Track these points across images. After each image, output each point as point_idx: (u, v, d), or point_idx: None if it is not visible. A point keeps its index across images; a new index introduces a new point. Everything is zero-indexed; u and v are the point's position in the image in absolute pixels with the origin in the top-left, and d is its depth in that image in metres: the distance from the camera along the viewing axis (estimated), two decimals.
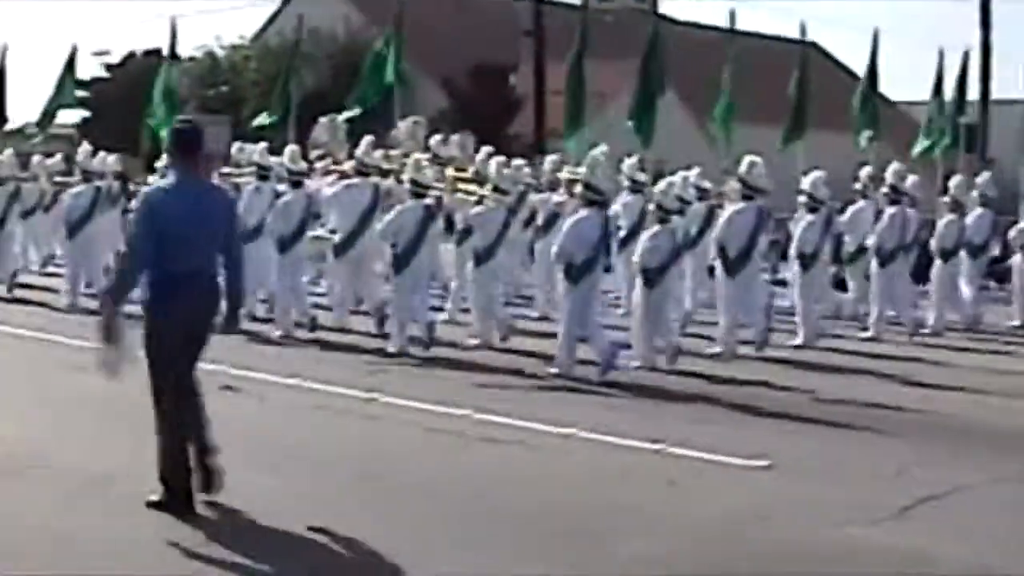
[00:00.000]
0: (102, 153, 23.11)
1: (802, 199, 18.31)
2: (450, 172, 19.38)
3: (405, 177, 17.02)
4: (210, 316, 8.91)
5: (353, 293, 18.84)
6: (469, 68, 49.60)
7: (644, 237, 16.03)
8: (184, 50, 73.34)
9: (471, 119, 39.30)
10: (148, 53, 58.82)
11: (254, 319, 17.95)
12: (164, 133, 23.61)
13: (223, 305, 8.99)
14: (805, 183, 18.31)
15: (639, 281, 15.65)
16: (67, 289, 20.64)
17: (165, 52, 26.20)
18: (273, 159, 19.29)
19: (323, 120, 23.63)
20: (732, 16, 21.84)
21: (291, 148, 18.91)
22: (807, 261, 18.00)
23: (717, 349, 16.57)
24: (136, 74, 53.24)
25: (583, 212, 15.09)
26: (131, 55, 59.39)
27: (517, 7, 44.72)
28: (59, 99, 26.37)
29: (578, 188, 15.87)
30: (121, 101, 49.23)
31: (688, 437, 11.44)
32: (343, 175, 19.57)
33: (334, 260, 18.77)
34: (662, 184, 16.42)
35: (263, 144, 20.25)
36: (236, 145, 21.98)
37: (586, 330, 14.77)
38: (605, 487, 9.98)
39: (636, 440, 11.33)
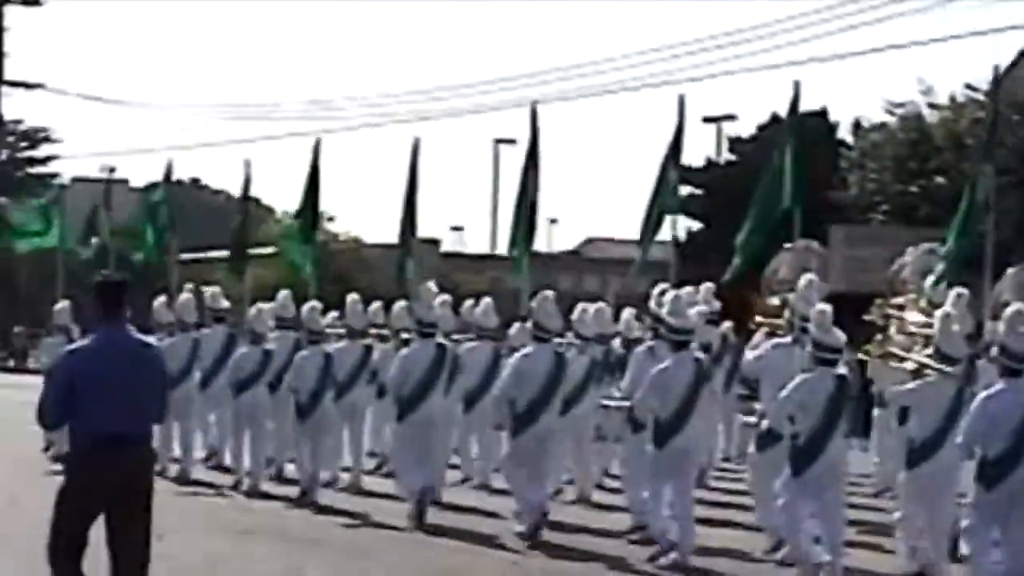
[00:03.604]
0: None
1: None
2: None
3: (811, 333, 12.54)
4: (135, 485, 8.39)
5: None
6: None
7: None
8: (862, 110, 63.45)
9: None
10: (803, 116, 44.04)
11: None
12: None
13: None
14: None
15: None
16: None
17: None
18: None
19: (792, 247, 16.83)
20: None
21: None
22: None
23: None
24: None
25: (999, 384, 11.38)
26: (773, 120, 41.14)
27: None
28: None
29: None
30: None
31: None
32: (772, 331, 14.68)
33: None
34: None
35: None
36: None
37: None
38: None
39: None
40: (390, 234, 51.54)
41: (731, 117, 48.18)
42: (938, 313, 12.88)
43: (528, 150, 17.99)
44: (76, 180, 53.91)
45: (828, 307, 12.49)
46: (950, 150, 34.57)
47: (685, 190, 46.78)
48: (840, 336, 12.39)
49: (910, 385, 12.76)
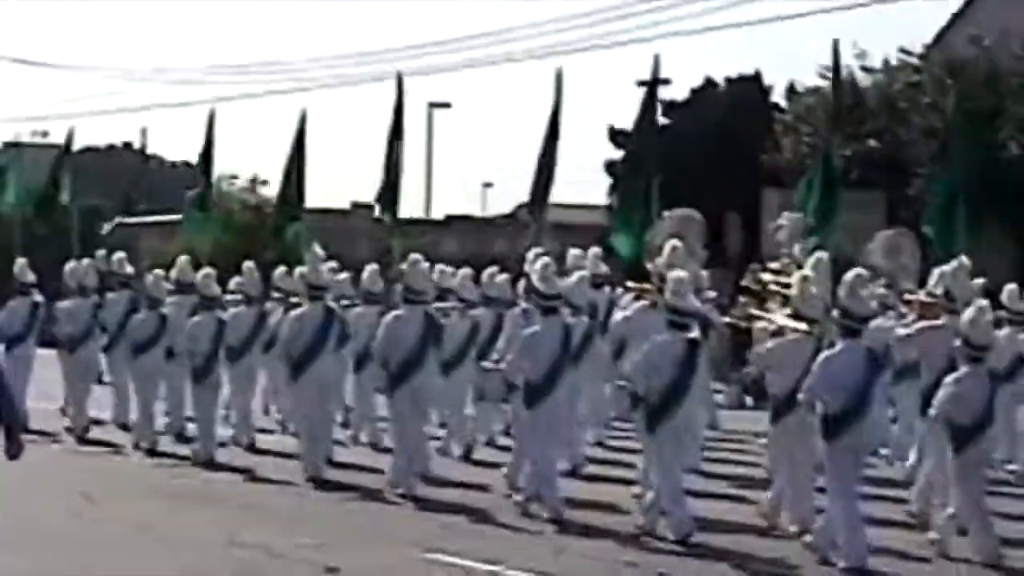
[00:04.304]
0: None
1: None
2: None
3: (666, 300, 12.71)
4: None
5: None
6: None
7: (948, 380, 12.12)
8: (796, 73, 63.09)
9: None
10: (737, 80, 43.69)
11: None
12: None
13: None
14: None
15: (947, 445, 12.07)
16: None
17: None
18: None
19: (671, 215, 16.50)
20: None
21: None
22: None
23: None
24: (719, 117, 40.13)
25: (839, 344, 11.86)
26: (708, 84, 43.88)
27: None
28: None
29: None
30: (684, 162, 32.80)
31: None
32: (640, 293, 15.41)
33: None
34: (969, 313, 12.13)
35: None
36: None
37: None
38: None
39: None
40: (327, 199, 51.55)
41: (665, 81, 48.08)
42: (796, 275, 13.29)
43: (393, 121, 18.49)
44: (8, 145, 53.71)
45: (684, 273, 12.78)
46: (883, 114, 34.95)
47: (618, 155, 47.22)
48: (694, 301, 12.76)
49: (769, 344, 13.19)
